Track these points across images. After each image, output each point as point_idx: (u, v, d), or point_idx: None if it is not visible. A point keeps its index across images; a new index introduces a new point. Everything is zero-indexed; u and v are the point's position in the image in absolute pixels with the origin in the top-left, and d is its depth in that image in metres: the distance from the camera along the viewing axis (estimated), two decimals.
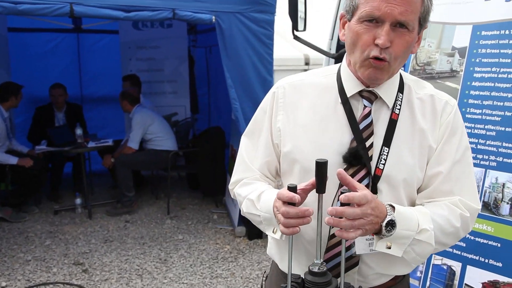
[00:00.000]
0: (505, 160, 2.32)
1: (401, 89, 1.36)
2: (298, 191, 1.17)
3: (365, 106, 1.33)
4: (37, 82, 6.25)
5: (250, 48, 4.40)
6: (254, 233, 4.59)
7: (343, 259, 1.14)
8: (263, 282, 1.56)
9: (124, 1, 4.03)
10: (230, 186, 1.52)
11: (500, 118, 2.36)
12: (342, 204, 1.12)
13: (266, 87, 4.44)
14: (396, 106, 1.34)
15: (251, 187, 1.41)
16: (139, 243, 4.60)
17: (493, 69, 2.42)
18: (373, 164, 1.30)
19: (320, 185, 1.15)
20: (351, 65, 1.33)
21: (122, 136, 6.23)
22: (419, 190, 1.36)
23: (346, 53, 1.35)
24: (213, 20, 4.21)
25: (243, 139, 1.52)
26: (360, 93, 1.33)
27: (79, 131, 5.50)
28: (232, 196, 1.53)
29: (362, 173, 1.29)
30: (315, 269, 1.15)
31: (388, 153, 1.30)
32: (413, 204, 1.36)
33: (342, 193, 1.12)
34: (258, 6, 4.34)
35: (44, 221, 5.17)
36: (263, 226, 1.33)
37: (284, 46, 7.65)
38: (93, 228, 4.96)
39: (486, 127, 2.40)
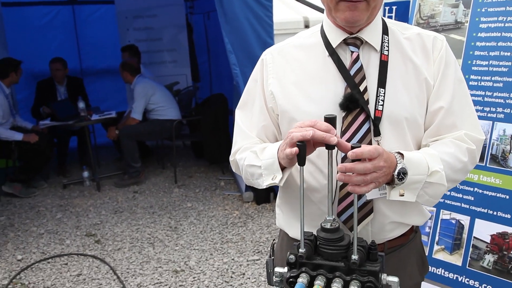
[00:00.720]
0: None
1: (385, 31, 1.36)
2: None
3: (352, 52, 1.33)
4: (36, 56, 6.23)
5: (249, 11, 4.32)
6: (262, 198, 4.63)
7: (356, 212, 1.12)
8: (271, 250, 1.55)
9: None
10: (231, 157, 1.49)
11: (507, 68, 2.34)
12: (353, 160, 1.10)
13: None
14: (384, 48, 1.34)
15: (251, 148, 1.40)
16: (148, 212, 4.64)
17: (500, 18, 2.38)
18: (371, 107, 1.29)
19: None
20: (330, 13, 1.32)
21: (124, 108, 6.23)
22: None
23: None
24: None
25: (238, 112, 1.51)
26: (345, 42, 1.34)
27: (81, 105, 5.48)
28: (233, 169, 1.51)
29: (362, 117, 1.28)
30: (327, 226, 1.14)
31: (384, 93, 1.30)
32: (419, 144, 1.36)
33: (352, 147, 1.09)
34: None
35: (53, 195, 5.23)
36: (263, 179, 1.29)
37: (282, 9, 7.52)
38: (102, 200, 5.02)
39: (493, 78, 2.38)
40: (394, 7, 3.51)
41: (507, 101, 2.32)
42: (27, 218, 4.59)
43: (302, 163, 1.13)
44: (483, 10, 2.46)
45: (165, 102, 5.62)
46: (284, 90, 1.37)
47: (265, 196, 4.63)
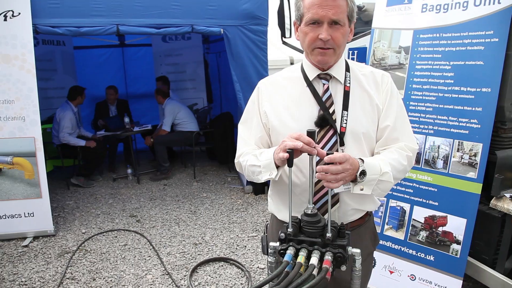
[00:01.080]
0: (439, 128, 2.35)
1: (347, 69, 1.38)
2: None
3: (323, 84, 1.35)
4: (95, 84, 6.23)
5: (250, 52, 4.36)
6: (259, 190, 4.62)
7: (330, 201, 1.14)
8: (265, 228, 1.55)
9: (155, 21, 3.99)
10: (235, 160, 1.47)
11: (435, 97, 2.39)
12: (328, 164, 1.13)
13: None
14: (347, 81, 1.36)
15: (251, 153, 1.40)
16: (175, 200, 4.63)
17: (429, 62, 2.44)
18: (337, 125, 1.31)
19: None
20: (308, 56, 1.34)
21: (157, 122, 6.22)
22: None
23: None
24: (222, 32, 4.17)
25: (240, 126, 1.49)
26: (318, 76, 1.36)
27: (127, 120, 5.51)
28: (237, 169, 1.49)
29: (331, 132, 1.30)
30: (309, 211, 1.15)
31: (347, 115, 1.32)
32: (372, 152, 1.37)
33: (327, 154, 1.12)
34: (254, 20, 4.29)
35: (106, 186, 5.23)
36: (261, 175, 1.29)
37: (274, 51, 7.56)
38: (141, 190, 5.01)
39: (425, 104, 2.43)
40: (356, 51, 3.56)
41: (435, 121, 2.37)
42: (88, 203, 4.60)
43: (290, 165, 1.14)
44: (418, 56, 2.51)
45: (187, 118, 5.62)
46: (274, 110, 1.38)
47: (261, 189, 4.64)
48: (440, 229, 2.26)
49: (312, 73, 1.36)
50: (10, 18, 3.54)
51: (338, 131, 1.30)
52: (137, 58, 7.04)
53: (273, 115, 1.38)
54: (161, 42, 6.64)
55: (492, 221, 2.15)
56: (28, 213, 3.66)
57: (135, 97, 6.99)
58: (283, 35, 3.85)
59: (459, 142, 2.25)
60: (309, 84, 1.35)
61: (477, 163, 2.15)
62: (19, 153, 3.60)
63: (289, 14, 3.83)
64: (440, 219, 2.27)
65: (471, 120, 2.20)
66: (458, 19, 2.31)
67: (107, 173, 5.75)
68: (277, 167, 1.25)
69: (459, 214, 2.21)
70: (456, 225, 2.20)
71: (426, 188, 2.36)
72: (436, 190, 2.31)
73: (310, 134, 1.14)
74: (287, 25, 3.86)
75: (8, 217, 3.63)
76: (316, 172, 1.15)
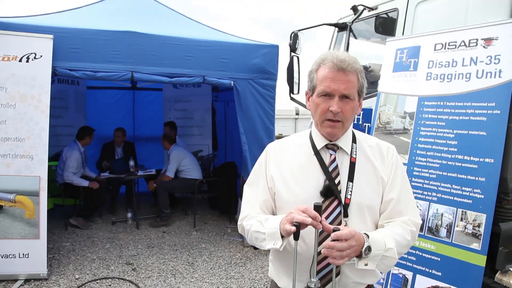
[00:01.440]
0: (443, 196, 2.38)
1: (354, 140, 1.44)
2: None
3: (331, 155, 1.39)
4: (104, 124, 6.38)
5: (258, 105, 4.47)
6: None
7: (334, 276, 1.16)
8: None
9: (168, 70, 4.14)
10: (238, 222, 1.47)
11: (439, 164, 2.45)
12: (334, 240, 1.16)
13: (269, 134, 4.51)
14: (353, 152, 1.40)
15: (256, 218, 1.41)
16: (173, 249, 4.55)
17: (433, 129, 2.53)
18: (342, 195, 1.33)
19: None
20: (317, 126, 1.41)
21: (161, 166, 6.28)
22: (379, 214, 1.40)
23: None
24: (232, 84, 4.32)
25: (246, 188, 1.50)
26: (326, 146, 1.41)
27: (131, 163, 5.58)
28: (240, 231, 1.48)
29: (335, 203, 1.33)
30: (312, 285, 1.16)
31: (352, 186, 1.35)
32: (376, 224, 1.39)
33: (334, 230, 1.16)
34: (264, 75, 4.45)
35: (105, 229, 5.17)
36: (265, 243, 1.29)
37: (281, 102, 7.79)
38: (139, 236, 4.94)
39: (429, 171, 2.49)
40: (361, 112, 3.67)
41: (439, 188, 2.41)
42: (85, 246, 4.53)
43: (297, 238, 1.17)
44: (422, 122, 2.61)
45: (192, 165, 5.65)
46: (281, 175, 1.42)
47: None
48: None
49: (320, 142, 1.41)
50: (32, 60, 3.76)
51: (343, 202, 1.34)
52: (147, 102, 7.27)
53: (279, 180, 1.42)
54: (172, 88, 6.88)
55: None
56: (23, 254, 3.64)
57: (142, 140, 7.12)
58: (291, 91, 3.98)
59: (462, 211, 2.27)
60: (317, 152, 1.40)
61: (481, 234, 2.16)
62: (23, 191, 3.65)
63: (298, 71, 3.99)
64: None
65: (475, 190, 2.24)
66: (461, 89, 2.44)
67: (107, 215, 5.70)
68: (282, 237, 1.27)
69: (463, 286, 2.18)
70: None
71: (429, 256, 2.35)
72: (439, 259, 2.30)
73: (317, 208, 1.18)
74: (295, 80, 4.00)
75: (2, 257, 3.60)
76: (321, 247, 1.18)
